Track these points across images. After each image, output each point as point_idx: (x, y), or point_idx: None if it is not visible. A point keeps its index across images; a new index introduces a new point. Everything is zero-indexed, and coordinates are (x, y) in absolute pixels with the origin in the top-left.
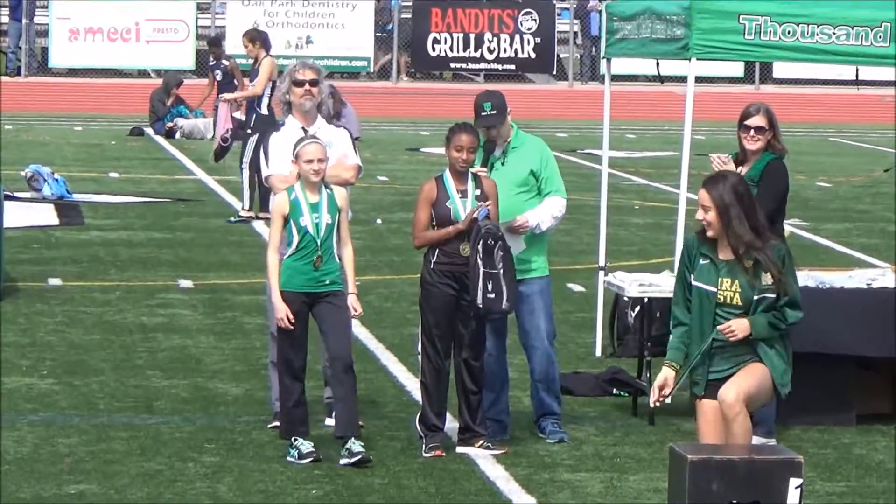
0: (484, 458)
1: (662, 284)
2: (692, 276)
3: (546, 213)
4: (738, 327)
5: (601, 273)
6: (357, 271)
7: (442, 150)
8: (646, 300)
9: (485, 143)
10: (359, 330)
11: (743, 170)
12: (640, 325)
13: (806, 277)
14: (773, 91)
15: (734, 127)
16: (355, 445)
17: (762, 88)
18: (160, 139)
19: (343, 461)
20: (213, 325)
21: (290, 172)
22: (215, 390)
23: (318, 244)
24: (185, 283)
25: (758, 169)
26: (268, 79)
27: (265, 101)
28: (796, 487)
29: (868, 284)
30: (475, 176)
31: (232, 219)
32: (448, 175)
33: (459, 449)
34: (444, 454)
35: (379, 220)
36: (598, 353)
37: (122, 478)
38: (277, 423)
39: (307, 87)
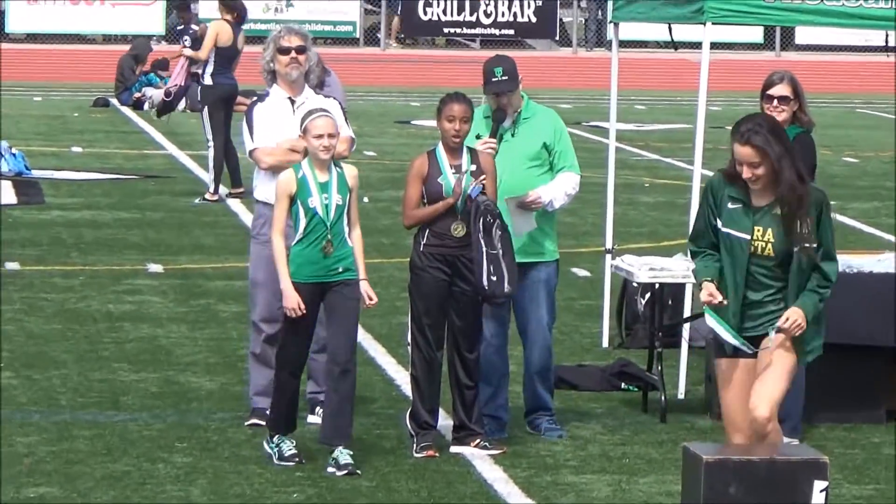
0: (481, 458)
1: (675, 269)
2: (719, 222)
3: (559, 189)
4: (801, 319)
5: (608, 257)
6: None
7: (434, 123)
8: (657, 286)
9: (494, 112)
10: None
11: None
12: (650, 313)
13: None
14: (796, 58)
15: (752, 97)
16: (343, 456)
17: (783, 55)
18: (127, 111)
19: (329, 469)
20: (185, 313)
21: (277, 144)
22: (187, 384)
23: (328, 227)
24: (155, 268)
25: None
26: (213, 44)
27: (209, 68)
28: (821, 491)
29: None
30: (471, 150)
31: (196, 200)
32: (441, 149)
33: (454, 448)
34: (437, 454)
35: (366, 199)
36: (605, 343)
37: (87, 480)
38: (255, 421)
39: (293, 54)
